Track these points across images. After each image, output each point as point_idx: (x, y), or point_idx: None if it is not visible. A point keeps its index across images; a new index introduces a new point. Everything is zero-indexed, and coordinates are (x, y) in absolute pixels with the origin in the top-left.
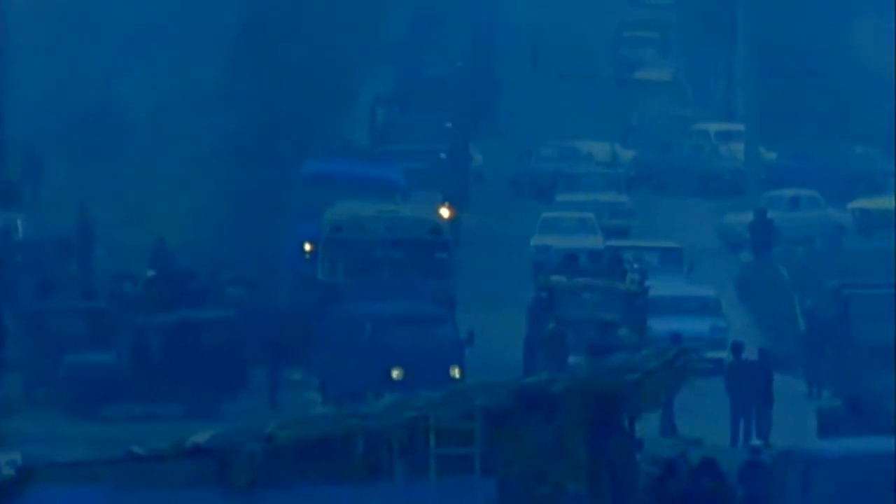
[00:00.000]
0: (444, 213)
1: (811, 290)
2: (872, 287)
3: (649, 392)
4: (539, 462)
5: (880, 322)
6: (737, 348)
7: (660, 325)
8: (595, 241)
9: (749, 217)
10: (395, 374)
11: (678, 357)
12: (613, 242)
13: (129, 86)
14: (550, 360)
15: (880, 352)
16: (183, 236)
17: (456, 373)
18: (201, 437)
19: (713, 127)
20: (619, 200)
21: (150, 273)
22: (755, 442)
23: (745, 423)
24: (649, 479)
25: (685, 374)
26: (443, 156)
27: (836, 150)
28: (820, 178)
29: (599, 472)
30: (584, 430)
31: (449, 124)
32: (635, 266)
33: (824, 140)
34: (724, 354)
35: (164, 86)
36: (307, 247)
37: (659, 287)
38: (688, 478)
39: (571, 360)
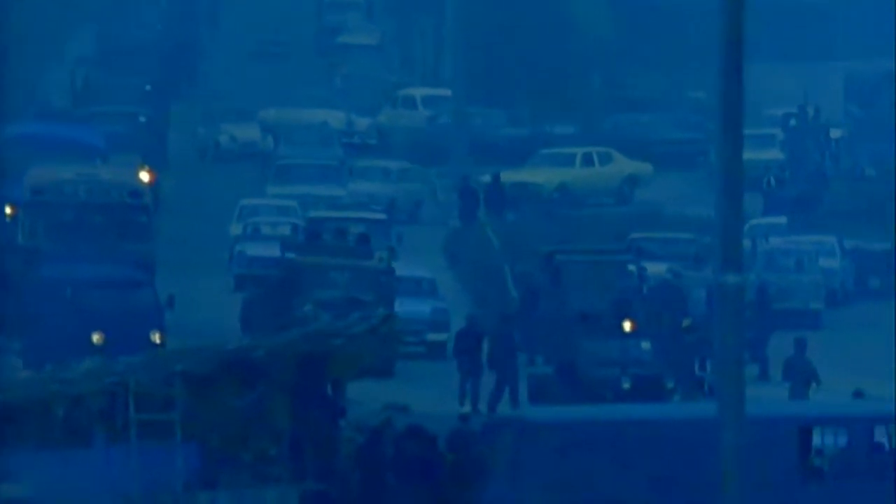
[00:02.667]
0: (144, 176)
1: (523, 256)
2: (584, 253)
3: (354, 358)
4: (240, 428)
5: (592, 288)
6: (470, 319)
7: None
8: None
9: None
10: (96, 338)
11: (384, 323)
12: (317, 213)
13: None
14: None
15: (592, 318)
16: None
17: (156, 338)
18: None
19: (420, 92)
20: (337, 194)
21: None
22: (464, 409)
23: (472, 391)
24: (353, 445)
25: (392, 340)
26: (142, 119)
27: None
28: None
29: (301, 439)
30: (286, 396)
31: (149, 87)
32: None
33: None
34: (446, 336)
35: None
36: (7, 210)
37: None
38: (393, 444)
39: None
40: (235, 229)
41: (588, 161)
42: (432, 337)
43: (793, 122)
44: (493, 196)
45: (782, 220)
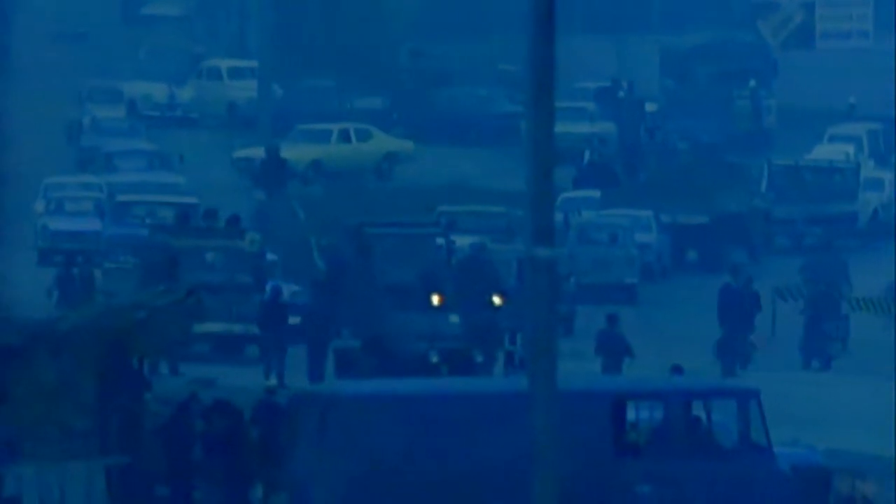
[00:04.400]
0: None
1: (329, 228)
2: (393, 226)
3: (159, 331)
4: (47, 401)
5: (401, 262)
6: (274, 291)
7: None
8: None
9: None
10: None
11: (189, 295)
12: (126, 198)
13: None
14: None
15: (401, 291)
16: None
17: None
18: None
19: (225, 63)
20: (173, 181)
21: None
22: (270, 382)
23: (278, 364)
24: (160, 419)
25: (197, 313)
26: None
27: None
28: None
29: (107, 412)
30: (91, 369)
31: None
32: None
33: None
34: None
35: None
36: None
37: None
38: (199, 418)
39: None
40: (39, 207)
41: (345, 138)
42: (293, 320)
43: (622, 93)
44: (272, 169)
45: (596, 193)
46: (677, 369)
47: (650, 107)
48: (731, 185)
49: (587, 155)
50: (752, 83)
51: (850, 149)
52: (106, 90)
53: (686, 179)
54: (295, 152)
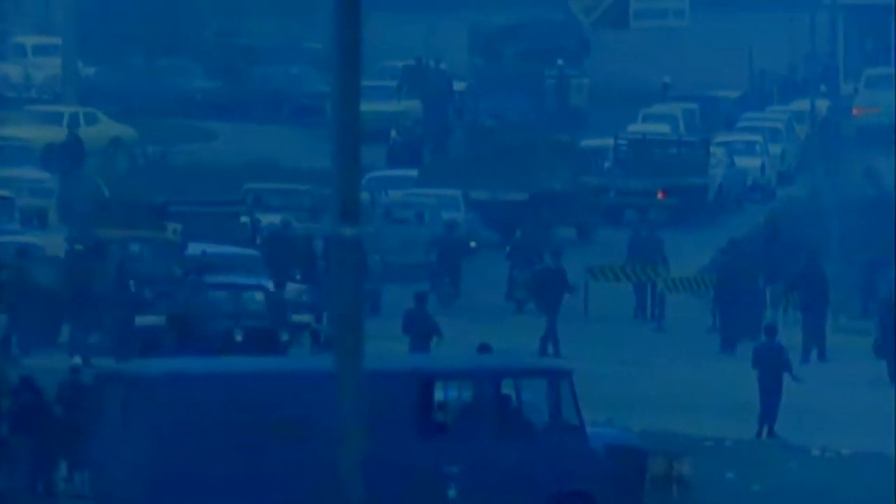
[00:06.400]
0: None
1: (134, 207)
2: (198, 204)
3: None
4: None
5: (206, 239)
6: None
7: None
8: None
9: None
10: None
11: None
12: None
13: None
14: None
15: (205, 269)
16: None
17: None
18: None
19: (30, 41)
20: (39, 178)
21: None
22: (75, 361)
23: (84, 343)
24: None
25: (26, 286)
26: None
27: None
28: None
29: None
30: None
31: None
32: None
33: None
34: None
35: None
36: None
37: None
38: (5, 396)
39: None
40: None
41: (75, 121)
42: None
43: (432, 67)
44: (71, 149)
45: (404, 172)
46: (485, 348)
47: (458, 85)
48: (555, 162)
49: (393, 134)
50: (560, 62)
51: (666, 128)
52: None
53: (503, 157)
54: (28, 133)
